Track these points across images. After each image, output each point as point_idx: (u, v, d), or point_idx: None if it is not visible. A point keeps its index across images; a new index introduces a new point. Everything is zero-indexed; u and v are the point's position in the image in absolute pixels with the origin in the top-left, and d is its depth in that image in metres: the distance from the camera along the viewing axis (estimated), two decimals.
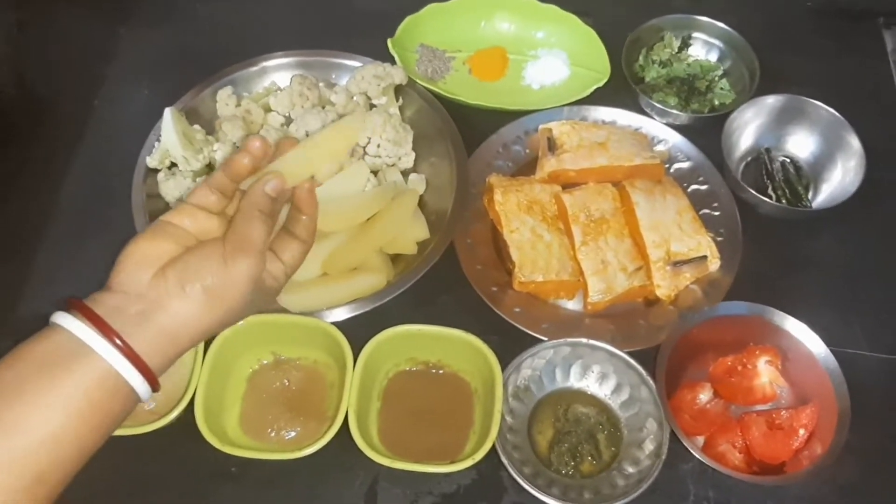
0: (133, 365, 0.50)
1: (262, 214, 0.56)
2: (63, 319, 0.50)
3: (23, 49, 1.00)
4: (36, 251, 0.88)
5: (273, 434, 0.75)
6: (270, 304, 0.64)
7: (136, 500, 0.74)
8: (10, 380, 0.48)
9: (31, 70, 1.00)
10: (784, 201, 0.89)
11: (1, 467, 0.46)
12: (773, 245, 0.88)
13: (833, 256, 0.87)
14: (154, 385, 0.52)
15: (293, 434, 0.75)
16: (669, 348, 0.75)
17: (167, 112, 0.84)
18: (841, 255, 0.88)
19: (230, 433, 0.74)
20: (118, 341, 0.49)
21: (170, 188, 0.84)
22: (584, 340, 0.77)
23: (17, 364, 0.49)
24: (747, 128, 0.91)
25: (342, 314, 0.78)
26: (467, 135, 0.90)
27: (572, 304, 0.84)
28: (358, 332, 0.76)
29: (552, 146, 0.89)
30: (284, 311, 0.78)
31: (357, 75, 0.91)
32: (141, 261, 0.53)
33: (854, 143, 0.88)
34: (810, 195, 0.91)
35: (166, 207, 0.85)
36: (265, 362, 0.79)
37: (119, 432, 0.71)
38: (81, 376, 0.49)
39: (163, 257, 0.53)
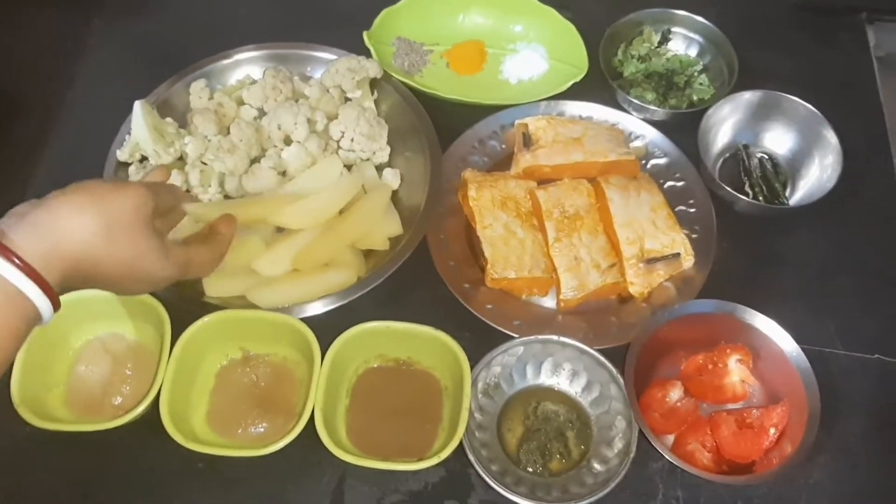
0: (23, 272, 0.51)
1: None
2: None
3: None
4: None
5: (241, 431, 0.75)
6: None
7: (100, 497, 0.73)
8: None
9: (2, 63, 0.99)
10: (761, 198, 0.89)
11: None
12: (749, 242, 0.87)
13: (808, 254, 0.87)
14: (53, 300, 0.53)
15: (261, 430, 0.75)
16: (639, 346, 0.74)
17: (137, 105, 0.83)
18: (816, 253, 0.87)
19: (197, 429, 0.74)
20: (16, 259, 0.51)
21: None
22: (554, 338, 0.76)
23: None
24: (724, 124, 0.91)
25: (312, 310, 0.77)
26: (443, 129, 0.89)
27: (545, 301, 0.83)
28: (328, 328, 0.75)
29: (527, 141, 0.89)
30: (254, 306, 0.77)
31: (331, 68, 0.90)
32: None
33: (831, 139, 0.87)
34: (788, 192, 0.90)
35: None
36: (234, 358, 0.78)
37: (83, 428, 0.71)
38: None
39: None
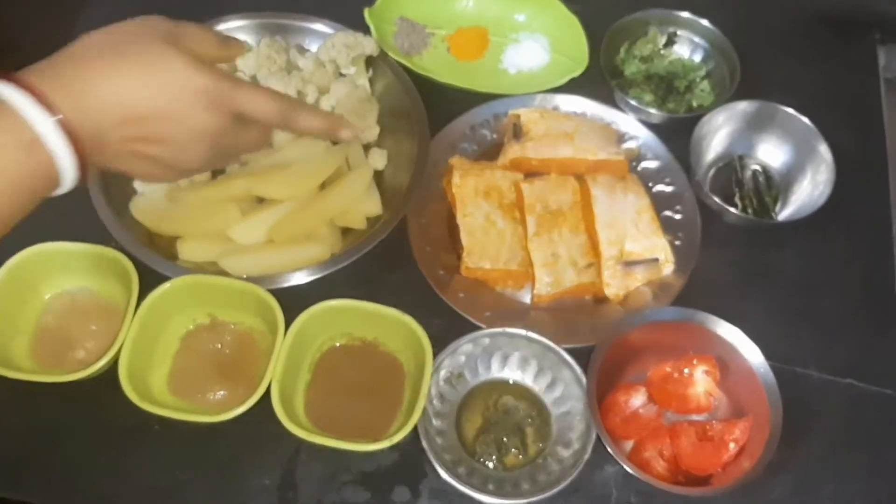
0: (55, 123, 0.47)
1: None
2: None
3: None
4: None
5: (201, 396, 0.75)
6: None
7: (53, 449, 0.73)
8: None
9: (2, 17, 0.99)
10: (750, 211, 0.87)
11: None
12: (732, 254, 0.86)
13: (792, 271, 0.85)
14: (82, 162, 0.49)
15: (220, 398, 0.75)
16: (605, 348, 0.73)
17: None
18: (800, 271, 0.86)
19: (155, 391, 0.73)
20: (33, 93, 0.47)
21: None
22: (521, 332, 0.75)
23: None
24: (718, 133, 0.89)
25: (283, 282, 0.77)
26: (436, 113, 0.88)
27: (520, 295, 0.83)
28: (297, 302, 0.75)
29: (517, 132, 0.87)
30: (225, 273, 0.77)
31: (328, 42, 0.89)
32: None
33: (826, 155, 0.85)
34: (778, 206, 0.89)
35: None
36: (201, 323, 0.78)
37: (41, 378, 0.72)
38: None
39: None
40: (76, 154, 0.49)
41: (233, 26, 0.92)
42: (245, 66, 0.89)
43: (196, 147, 0.55)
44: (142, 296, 0.74)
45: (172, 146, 0.54)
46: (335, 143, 0.78)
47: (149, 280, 0.75)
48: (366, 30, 0.93)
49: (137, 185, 0.83)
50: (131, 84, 0.51)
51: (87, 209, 0.79)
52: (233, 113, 0.55)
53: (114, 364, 0.71)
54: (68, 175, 0.50)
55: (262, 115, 0.57)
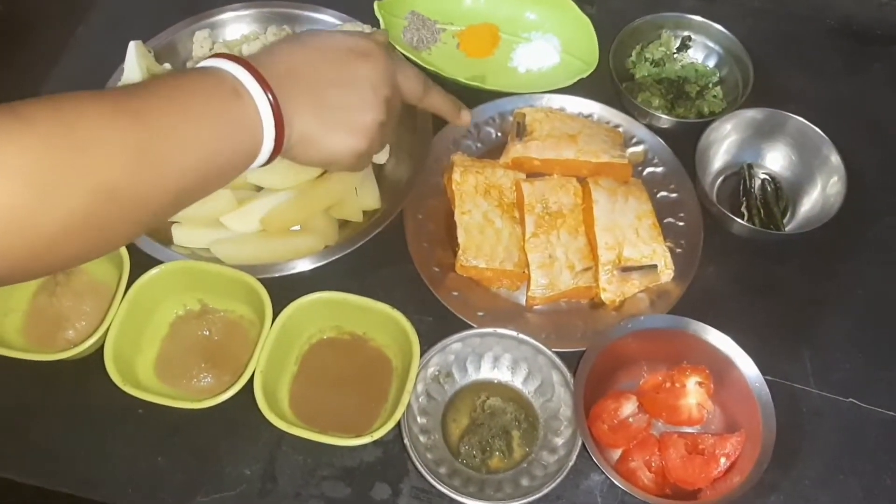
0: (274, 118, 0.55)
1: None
2: (221, 63, 0.55)
3: None
4: None
5: (186, 382, 0.74)
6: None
7: (35, 425, 0.74)
8: (177, 97, 0.52)
9: None
10: (756, 221, 0.85)
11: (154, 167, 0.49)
12: (735, 265, 0.84)
13: (796, 285, 0.83)
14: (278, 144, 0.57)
15: (206, 384, 0.74)
16: (596, 353, 0.72)
17: (132, 45, 0.82)
18: (804, 285, 0.83)
19: (141, 375, 0.73)
20: (270, 95, 0.55)
21: None
22: (512, 333, 0.74)
23: (182, 84, 0.53)
24: (726, 141, 0.87)
25: (276, 272, 0.76)
26: None
27: (515, 296, 0.81)
28: (287, 292, 0.74)
29: (521, 131, 0.86)
30: (218, 260, 0.77)
31: None
32: None
33: (839, 168, 0.83)
34: (786, 218, 0.86)
35: None
36: (191, 309, 0.78)
37: (30, 357, 0.72)
38: (231, 115, 0.54)
39: None
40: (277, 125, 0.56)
41: (242, 14, 0.92)
42: (250, 52, 0.88)
43: (367, 97, 0.62)
44: (133, 279, 0.74)
45: (348, 89, 0.61)
46: (455, 125, 0.79)
47: (142, 264, 0.75)
48: (375, 22, 0.92)
49: None
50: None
51: None
52: (393, 84, 0.64)
53: (101, 346, 0.71)
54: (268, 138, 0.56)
55: (410, 88, 0.68)
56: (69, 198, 0.44)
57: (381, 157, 0.86)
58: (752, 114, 0.85)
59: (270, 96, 0.55)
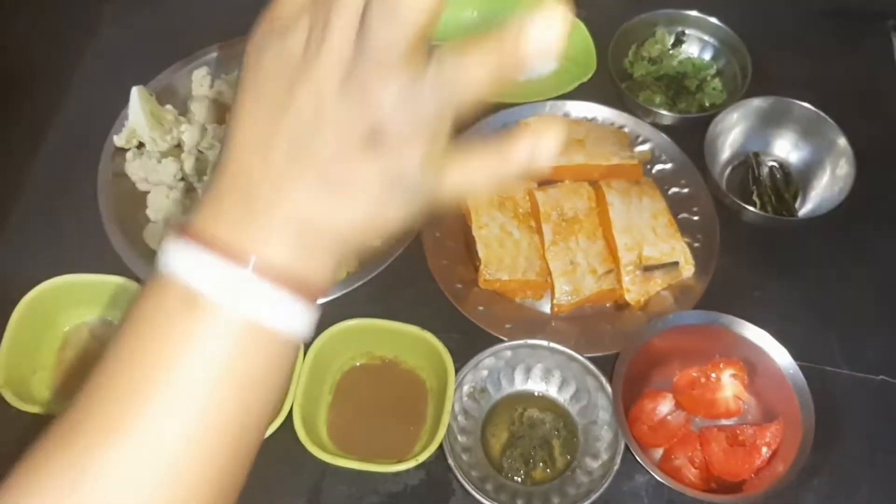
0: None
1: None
2: (166, 256, 0.36)
3: (4, 19, 1.00)
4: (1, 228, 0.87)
5: None
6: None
7: None
8: (126, 360, 0.36)
9: (12, 40, 1.00)
10: (769, 209, 0.85)
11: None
12: (753, 253, 0.84)
13: (815, 268, 0.84)
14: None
15: None
16: (630, 355, 0.72)
17: (134, 91, 0.83)
18: (824, 268, 0.84)
19: None
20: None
21: (135, 168, 0.83)
22: (544, 343, 0.74)
23: (131, 334, 0.36)
24: (733, 131, 0.88)
25: None
26: None
27: (539, 305, 0.81)
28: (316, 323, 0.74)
29: None
30: None
31: None
32: None
33: (846, 149, 0.84)
34: (798, 203, 0.87)
35: (132, 187, 0.84)
36: None
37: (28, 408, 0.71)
38: (203, 336, 0.35)
39: None
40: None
41: (239, 49, 0.92)
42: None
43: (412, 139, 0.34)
44: None
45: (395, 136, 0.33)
46: None
47: None
48: None
49: (150, 213, 0.82)
50: None
51: (101, 240, 0.79)
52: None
53: None
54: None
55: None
56: None
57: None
58: (757, 103, 0.86)
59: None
